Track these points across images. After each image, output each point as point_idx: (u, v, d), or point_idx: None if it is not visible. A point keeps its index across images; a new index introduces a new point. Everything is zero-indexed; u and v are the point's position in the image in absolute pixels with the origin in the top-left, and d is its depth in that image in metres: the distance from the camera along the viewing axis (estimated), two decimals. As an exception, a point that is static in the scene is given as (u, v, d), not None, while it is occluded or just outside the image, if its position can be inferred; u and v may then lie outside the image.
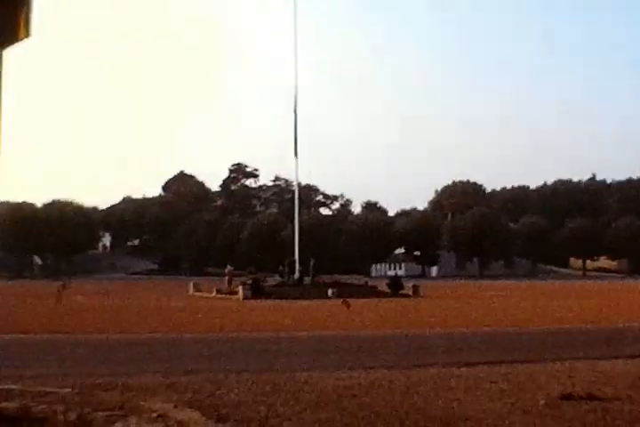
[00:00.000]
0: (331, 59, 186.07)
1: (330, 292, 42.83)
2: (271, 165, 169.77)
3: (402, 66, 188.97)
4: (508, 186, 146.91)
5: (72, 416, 7.78)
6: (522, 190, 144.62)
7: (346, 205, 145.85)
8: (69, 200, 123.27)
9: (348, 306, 29.71)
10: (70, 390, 9.42)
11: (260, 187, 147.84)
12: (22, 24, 5.84)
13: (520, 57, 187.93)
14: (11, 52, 5.96)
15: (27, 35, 5.87)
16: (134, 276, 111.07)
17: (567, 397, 9.28)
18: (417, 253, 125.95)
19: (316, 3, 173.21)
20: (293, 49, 50.97)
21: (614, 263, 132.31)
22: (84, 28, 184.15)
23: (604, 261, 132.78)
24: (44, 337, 18.47)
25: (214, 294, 46.60)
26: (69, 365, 13.16)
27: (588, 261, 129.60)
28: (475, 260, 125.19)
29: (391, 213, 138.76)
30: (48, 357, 14.65)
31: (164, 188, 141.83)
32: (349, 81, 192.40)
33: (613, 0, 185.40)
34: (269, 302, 37.04)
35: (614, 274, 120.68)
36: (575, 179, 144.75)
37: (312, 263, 48.71)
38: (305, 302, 36.48)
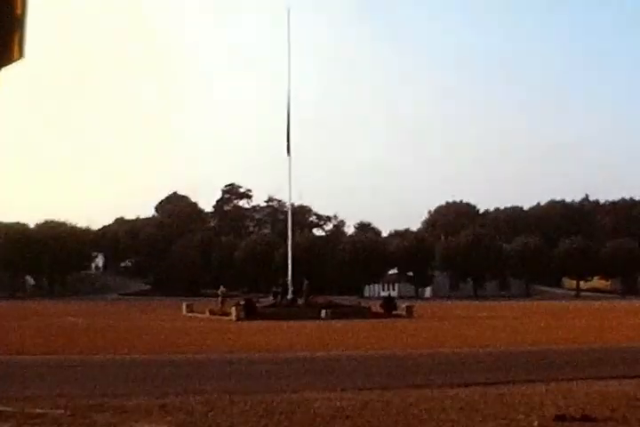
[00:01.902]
0: (323, 76, 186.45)
1: (323, 313, 42.77)
2: (264, 186, 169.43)
3: (393, 86, 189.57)
4: (502, 206, 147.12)
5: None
6: (515, 211, 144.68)
7: (339, 225, 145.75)
8: (62, 221, 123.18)
9: None
10: (63, 411, 9.36)
11: (254, 207, 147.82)
12: (16, 45, 5.87)
13: (517, 75, 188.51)
14: (5, 72, 5.98)
15: (20, 56, 5.89)
16: (127, 296, 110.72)
17: (561, 418, 9.25)
18: (410, 273, 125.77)
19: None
20: (287, 60, 51.31)
21: (608, 283, 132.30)
22: (78, 49, 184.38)
23: (597, 282, 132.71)
24: (37, 358, 18.36)
25: (207, 314, 46.45)
26: (62, 386, 13.07)
27: (582, 282, 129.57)
28: (468, 280, 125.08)
29: (384, 234, 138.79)
30: (41, 378, 14.57)
31: (157, 208, 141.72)
32: (343, 101, 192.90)
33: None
34: (262, 323, 36.91)
35: (608, 294, 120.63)
36: (568, 199, 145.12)
37: (305, 284, 48.64)
38: (298, 323, 36.39)
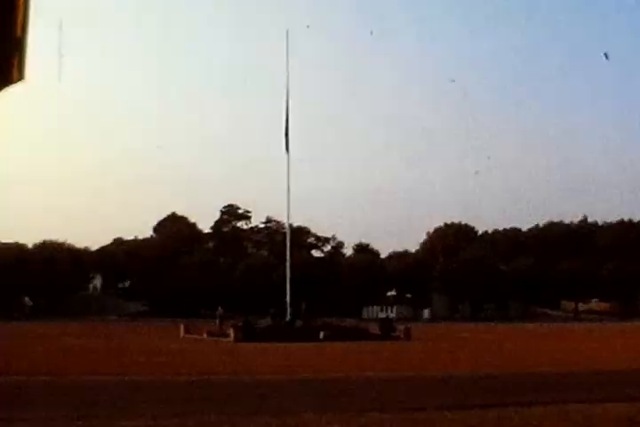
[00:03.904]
0: (319, 96, 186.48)
1: (321, 334, 42.64)
2: (263, 206, 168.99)
3: (391, 107, 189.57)
4: (500, 228, 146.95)
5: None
6: (513, 232, 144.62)
7: (338, 247, 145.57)
8: (60, 241, 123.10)
9: None
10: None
11: (252, 229, 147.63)
12: (16, 67, 5.89)
13: (517, 104, 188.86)
14: (3, 94, 6.00)
15: (20, 78, 5.91)
16: (125, 317, 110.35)
17: (559, 440, 9.21)
18: (409, 295, 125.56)
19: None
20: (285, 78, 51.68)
21: (606, 305, 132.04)
22: (79, 71, 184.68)
23: (595, 304, 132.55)
24: (34, 379, 18.28)
25: (205, 336, 46.32)
26: (58, 407, 13.02)
27: (580, 304, 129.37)
28: (467, 302, 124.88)
29: (383, 256, 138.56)
30: (36, 399, 14.51)
31: (156, 229, 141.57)
32: (339, 123, 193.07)
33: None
34: (261, 345, 36.80)
35: (606, 316, 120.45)
36: (567, 221, 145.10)
37: (304, 306, 48.57)
38: (296, 345, 36.29)
